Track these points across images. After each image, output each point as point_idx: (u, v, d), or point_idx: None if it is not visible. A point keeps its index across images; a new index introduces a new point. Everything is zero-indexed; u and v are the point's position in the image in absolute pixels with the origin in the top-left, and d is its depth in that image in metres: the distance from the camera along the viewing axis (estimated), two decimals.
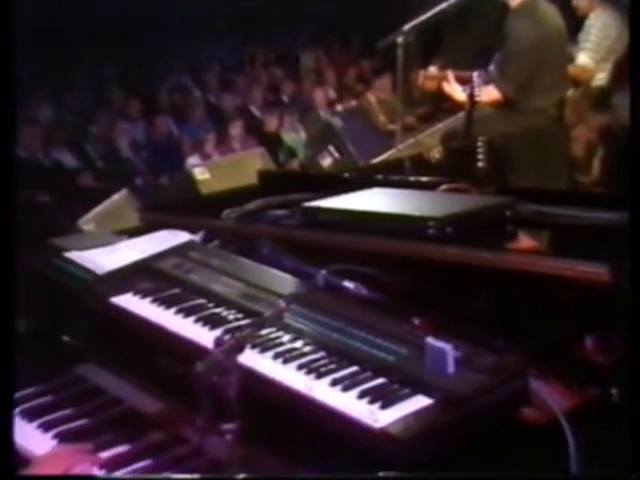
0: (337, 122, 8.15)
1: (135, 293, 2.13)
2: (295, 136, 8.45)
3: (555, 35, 4.62)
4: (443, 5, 4.86)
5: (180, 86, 9.83)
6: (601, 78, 5.65)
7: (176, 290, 2.15)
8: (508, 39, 4.53)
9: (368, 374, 1.75)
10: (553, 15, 4.68)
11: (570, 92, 4.77)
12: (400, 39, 4.77)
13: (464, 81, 4.56)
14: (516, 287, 1.96)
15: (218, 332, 1.93)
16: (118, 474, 1.89)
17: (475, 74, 4.49)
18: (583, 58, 5.57)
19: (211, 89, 9.81)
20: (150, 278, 2.19)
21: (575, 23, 5.62)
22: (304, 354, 1.85)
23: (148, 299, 2.11)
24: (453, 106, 4.94)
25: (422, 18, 4.84)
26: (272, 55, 11.36)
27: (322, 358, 1.83)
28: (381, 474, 1.53)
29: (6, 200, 1.73)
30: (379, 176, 2.92)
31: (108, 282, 2.16)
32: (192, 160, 7.39)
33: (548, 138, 4.43)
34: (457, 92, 4.61)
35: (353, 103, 9.14)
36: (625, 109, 5.40)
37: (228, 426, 1.57)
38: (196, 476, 1.80)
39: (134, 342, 2.05)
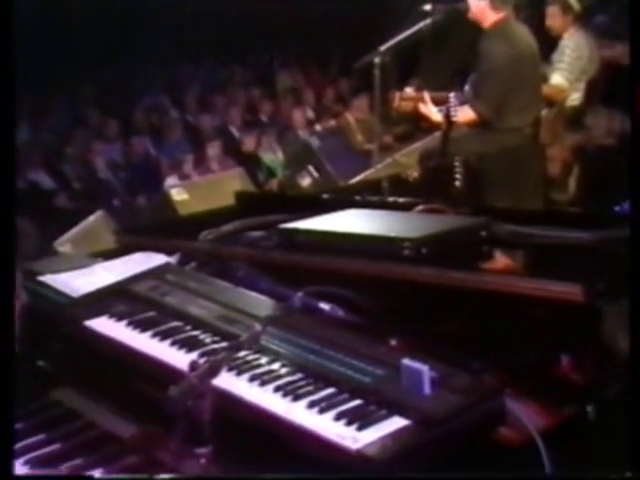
0: (315, 142, 8.18)
1: (110, 316, 2.12)
2: (274, 156, 8.47)
3: (528, 55, 4.68)
4: (419, 26, 4.91)
5: (158, 106, 9.82)
6: (575, 98, 5.72)
7: (152, 313, 2.14)
8: (482, 59, 4.59)
9: (345, 396, 1.75)
10: (525, 36, 4.74)
11: (545, 112, 4.82)
12: (377, 59, 4.80)
13: (440, 102, 4.59)
14: (491, 307, 1.97)
15: (194, 355, 1.92)
16: None
17: (451, 95, 4.53)
18: (558, 78, 5.64)
19: (189, 109, 9.81)
20: (126, 301, 2.18)
21: (548, 43, 5.69)
22: (281, 376, 1.84)
23: (123, 322, 2.10)
24: (430, 126, 4.97)
25: (398, 38, 4.88)
26: (250, 75, 11.39)
27: (299, 380, 1.83)
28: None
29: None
30: (356, 197, 2.93)
31: (83, 305, 2.15)
32: (170, 180, 7.38)
33: (523, 157, 4.47)
34: (433, 113, 4.65)
35: (331, 123, 9.18)
36: (599, 128, 5.48)
37: (202, 450, 1.56)
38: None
39: (109, 366, 2.04)
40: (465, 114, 4.56)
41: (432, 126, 4.83)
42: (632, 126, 1.96)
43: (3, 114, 1.80)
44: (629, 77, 2.03)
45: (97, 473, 1.95)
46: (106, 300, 2.18)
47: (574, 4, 5.91)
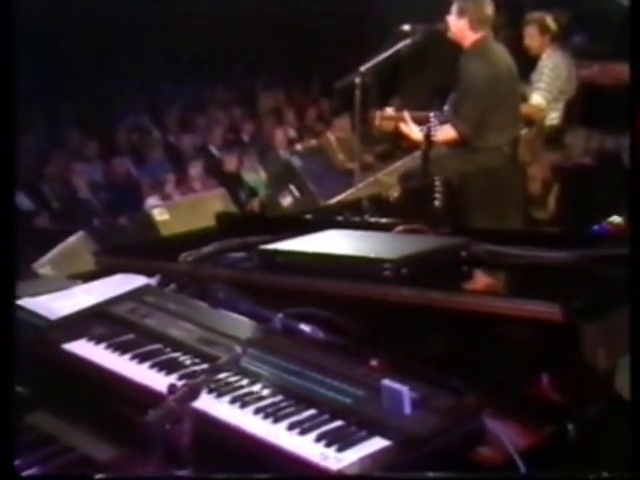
0: (297, 161, 8.19)
1: (89, 339, 2.11)
2: (256, 176, 8.47)
3: (506, 74, 4.72)
4: (398, 46, 4.94)
5: (139, 126, 9.81)
6: (554, 118, 5.77)
7: (131, 335, 2.13)
8: (462, 79, 4.62)
9: (326, 417, 1.75)
10: (504, 55, 4.79)
11: (524, 131, 4.86)
12: (357, 80, 4.83)
13: (420, 121, 4.62)
14: (471, 327, 1.98)
15: (174, 377, 1.92)
16: None
17: (431, 114, 4.56)
18: (537, 98, 5.69)
19: (170, 129, 9.81)
20: (105, 323, 2.17)
21: (527, 63, 5.74)
22: (261, 398, 1.84)
23: (102, 345, 2.09)
24: (410, 145, 4.99)
25: (378, 59, 4.91)
26: (232, 95, 11.41)
27: (279, 402, 1.83)
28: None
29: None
30: (337, 217, 2.94)
31: (61, 328, 2.14)
32: (151, 200, 7.36)
33: (503, 176, 4.50)
34: (414, 132, 4.67)
35: (313, 142, 9.20)
36: (577, 147, 5.52)
37: (181, 472, 1.55)
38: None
39: (88, 389, 2.02)
40: (445, 133, 4.59)
41: (413, 145, 4.86)
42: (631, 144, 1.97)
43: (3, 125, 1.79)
44: (630, 97, 2.05)
45: None
46: (85, 323, 2.17)
47: (551, 24, 5.98)
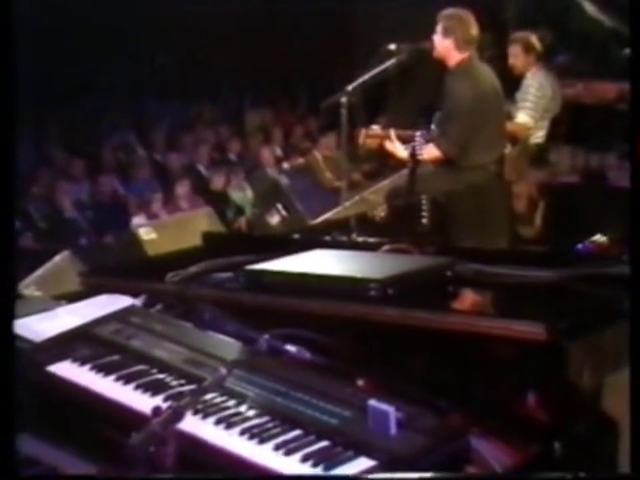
0: (284, 180, 8.21)
1: (73, 360, 2.10)
2: (242, 194, 8.48)
3: (492, 94, 4.75)
4: (384, 65, 4.96)
5: (125, 145, 9.79)
6: (539, 136, 5.81)
7: (116, 357, 2.12)
8: (447, 99, 4.65)
9: (311, 437, 1.75)
10: (489, 75, 4.82)
11: (509, 150, 4.88)
12: (343, 99, 4.85)
13: (406, 140, 4.64)
14: (457, 347, 1.98)
15: (159, 399, 1.91)
16: None
17: (417, 134, 4.57)
18: (523, 116, 5.73)
19: (157, 147, 9.80)
20: (89, 345, 2.16)
21: (512, 82, 5.78)
22: (247, 419, 1.84)
23: (87, 366, 2.08)
24: (396, 162, 5.00)
25: (364, 78, 4.93)
26: (219, 113, 11.43)
27: (265, 422, 1.83)
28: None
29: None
30: (323, 237, 2.94)
31: (45, 350, 2.13)
32: (138, 219, 7.35)
33: (489, 195, 4.51)
34: (399, 150, 4.68)
35: (300, 161, 9.22)
36: (563, 165, 5.55)
37: None
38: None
39: (72, 411, 2.01)
40: (430, 152, 4.61)
41: (398, 162, 4.87)
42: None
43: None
44: (630, 84, 2.06)
45: None
46: (69, 344, 2.16)
47: (535, 44, 6.03)
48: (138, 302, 2.39)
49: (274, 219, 7.28)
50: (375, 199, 5.78)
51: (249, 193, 8.45)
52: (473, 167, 4.59)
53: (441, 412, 1.78)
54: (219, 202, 7.88)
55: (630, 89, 2.05)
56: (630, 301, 1.89)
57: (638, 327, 1.82)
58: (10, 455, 1.66)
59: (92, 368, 2.08)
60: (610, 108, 4.91)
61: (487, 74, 4.80)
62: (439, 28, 4.73)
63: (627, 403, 1.98)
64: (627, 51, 4.98)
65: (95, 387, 2.01)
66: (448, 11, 4.76)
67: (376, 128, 4.88)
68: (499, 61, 5.47)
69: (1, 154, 1.81)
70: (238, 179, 8.56)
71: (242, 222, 7.85)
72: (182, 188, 7.94)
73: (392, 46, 4.96)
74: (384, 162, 7.80)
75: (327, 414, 1.79)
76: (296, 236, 3.45)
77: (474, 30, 4.72)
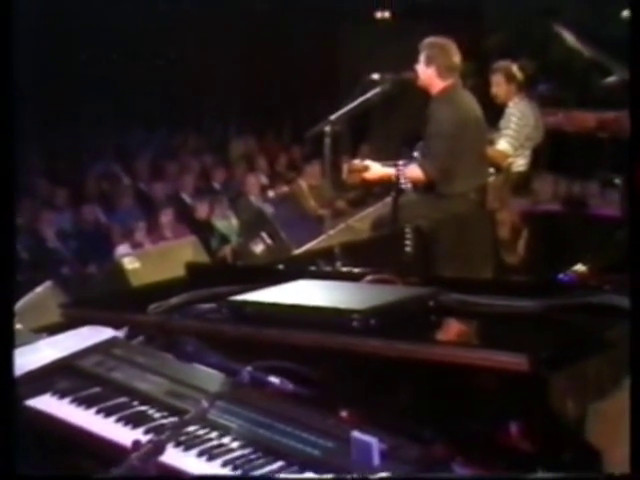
0: (268, 208, 8.22)
1: (53, 394, 2.09)
2: (227, 223, 8.47)
3: (474, 121, 4.78)
4: (368, 95, 4.99)
5: (109, 174, 9.78)
6: (521, 164, 5.85)
7: (97, 389, 2.11)
8: (430, 122, 4.68)
9: (294, 468, 1.75)
10: (472, 103, 4.86)
11: (491, 178, 4.91)
12: (327, 128, 4.86)
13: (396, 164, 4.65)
14: (440, 377, 1.98)
15: (140, 431, 1.90)
16: None
17: (400, 163, 4.59)
18: (503, 144, 5.77)
19: (141, 176, 9.79)
20: (70, 377, 2.15)
21: (495, 110, 5.82)
22: (230, 450, 1.84)
23: (67, 399, 2.07)
24: (385, 182, 4.96)
25: (348, 107, 4.95)
26: (203, 142, 11.45)
27: (248, 454, 1.82)
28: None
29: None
30: (307, 266, 2.94)
31: (25, 384, 2.11)
32: (122, 248, 7.31)
33: (472, 223, 4.53)
34: (379, 172, 4.68)
35: (284, 189, 9.24)
36: (545, 193, 5.58)
37: None
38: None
39: (52, 444, 1.99)
40: (413, 172, 4.62)
41: (387, 182, 4.84)
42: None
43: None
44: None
45: None
46: (49, 377, 2.14)
47: (517, 73, 6.09)
48: (120, 334, 2.37)
49: (259, 248, 7.28)
50: (360, 227, 5.80)
51: (234, 222, 8.44)
52: (455, 195, 4.61)
53: (424, 442, 1.77)
54: (203, 231, 7.87)
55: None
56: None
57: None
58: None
59: (72, 401, 2.06)
60: (591, 136, 4.96)
61: (470, 102, 4.84)
62: (422, 57, 4.78)
63: (612, 430, 1.99)
64: (607, 80, 5.05)
65: (74, 420, 1.99)
66: (430, 40, 4.81)
67: (358, 162, 4.90)
68: (482, 90, 5.51)
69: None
70: (222, 208, 8.56)
71: (227, 251, 7.83)
72: (166, 217, 7.92)
73: (375, 76, 4.98)
74: (368, 190, 7.83)
75: (310, 445, 1.79)
76: (280, 266, 3.44)
77: (456, 58, 4.77)
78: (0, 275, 1.78)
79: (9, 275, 1.79)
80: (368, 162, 4.75)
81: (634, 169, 2.02)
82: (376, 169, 4.69)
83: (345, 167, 4.91)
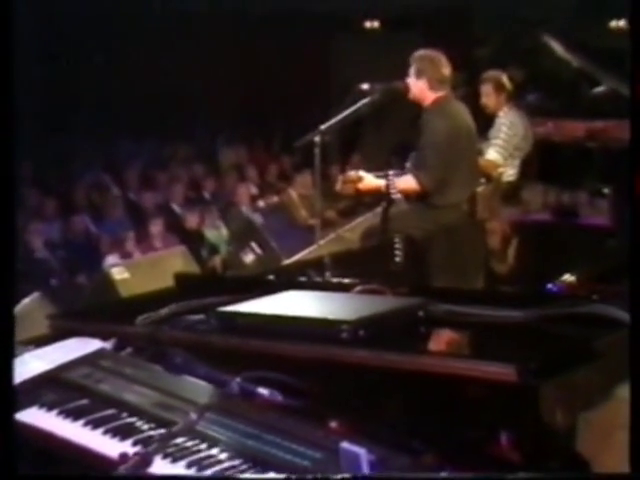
0: (258, 218, 8.21)
1: (40, 406, 2.08)
2: (217, 233, 8.45)
3: (466, 132, 4.79)
4: (358, 105, 4.99)
5: (98, 183, 9.76)
6: (511, 174, 5.87)
7: (84, 401, 2.10)
8: (423, 134, 4.68)
9: None
10: (464, 114, 4.86)
11: (481, 188, 4.91)
12: (317, 138, 4.86)
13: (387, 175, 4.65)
14: (429, 388, 1.98)
15: (128, 443, 1.89)
16: None
17: (390, 173, 4.59)
18: (492, 153, 5.79)
19: (131, 186, 9.77)
20: (57, 389, 2.14)
21: (484, 120, 5.84)
22: (219, 462, 1.83)
23: (54, 412, 2.06)
24: (376, 193, 4.96)
25: (338, 117, 4.96)
26: (193, 152, 11.45)
27: (237, 465, 1.81)
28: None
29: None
30: (297, 276, 2.93)
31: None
32: (111, 259, 7.28)
33: (462, 233, 4.54)
34: (372, 183, 4.67)
35: (274, 199, 9.23)
36: (535, 203, 5.60)
37: None
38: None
39: (40, 459, 1.98)
40: (407, 182, 4.61)
41: (378, 193, 4.83)
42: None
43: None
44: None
45: None
46: (36, 390, 2.13)
47: (506, 83, 6.11)
48: (108, 345, 2.36)
49: (249, 258, 7.27)
50: (350, 237, 5.80)
51: (224, 232, 8.43)
52: (446, 206, 4.61)
53: (413, 453, 1.77)
54: (193, 241, 7.85)
55: (631, 127, 2.07)
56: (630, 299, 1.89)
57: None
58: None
59: (59, 413, 2.05)
60: (580, 146, 4.99)
61: (462, 113, 4.84)
62: (412, 70, 4.78)
63: (601, 440, 1.99)
64: (596, 90, 5.08)
65: (61, 433, 1.98)
66: (420, 53, 4.82)
67: (352, 173, 4.90)
68: (471, 99, 5.52)
69: None
70: (212, 218, 8.54)
71: (217, 261, 7.81)
72: (156, 227, 7.90)
73: (365, 86, 4.99)
74: (359, 200, 7.84)
75: (299, 456, 1.79)
76: (269, 277, 3.44)
77: (446, 69, 4.77)
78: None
79: (9, 286, 1.78)
80: (362, 173, 4.75)
81: (634, 177, 2.03)
82: (369, 180, 4.69)
83: (339, 178, 4.91)
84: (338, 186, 4.84)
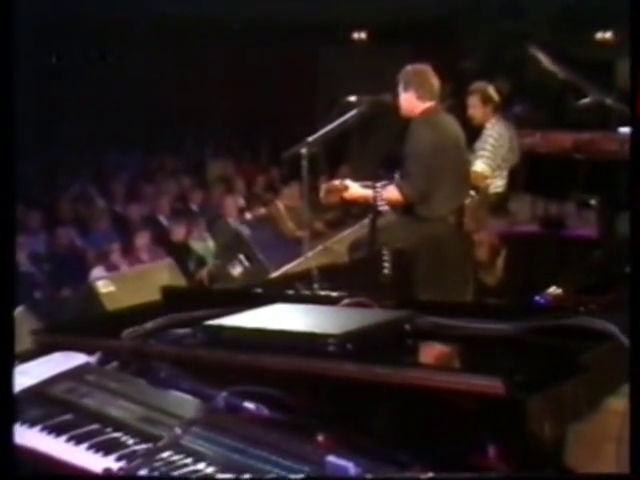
0: (246, 230, 8.20)
1: (22, 422, 2.05)
2: (204, 245, 8.43)
3: (454, 144, 4.80)
4: (345, 117, 5.01)
5: (84, 196, 9.73)
6: (499, 186, 5.89)
7: (68, 416, 2.08)
8: (408, 143, 4.69)
9: None
10: (453, 126, 4.88)
11: (468, 200, 4.92)
12: (304, 150, 4.87)
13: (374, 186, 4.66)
14: (416, 401, 1.97)
15: (112, 458, 1.88)
16: None
17: (377, 185, 4.60)
18: (480, 165, 5.81)
19: (117, 198, 9.75)
20: (41, 405, 2.12)
21: (471, 132, 5.86)
22: (205, 476, 1.81)
23: (36, 428, 2.03)
24: (363, 204, 4.96)
25: (325, 130, 4.97)
26: (181, 164, 11.44)
27: None
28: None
29: None
30: (283, 290, 2.92)
31: None
32: (97, 271, 7.25)
33: (450, 245, 4.54)
34: (358, 192, 4.68)
35: (262, 211, 9.23)
36: (522, 214, 5.61)
37: None
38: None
39: (23, 476, 1.96)
40: (391, 193, 4.62)
41: (364, 202, 4.84)
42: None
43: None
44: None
45: None
46: (19, 405, 2.10)
47: (493, 95, 6.14)
48: (93, 360, 2.34)
49: (236, 270, 7.26)
50: (337, 249, 5.80)
51: (211, 244, 8.41)
52: (433, 218, 4.61)
53: (401, 466, 1.76)
54: (180, 253, 7.83)
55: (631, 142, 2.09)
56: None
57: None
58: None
59: (42, 429, 2.03)
60: (566, 157, 5.02)
61: (451, 125, 4.86)
62: (400, 86, 4.78)
63: (589, 452, 1.99)
64: (582, 101, 5.11)
65: (44, 449, 1.96)
66: (407, 68, 4.83)
67: (337, 183, 4.91)
68: (458, 111, 5.54)
69: None
70: (199, 230, 8.53)
71: (204, 273, 7.79)
72: (142, 239, 7.87)
73: (352, 98, 5.01)
74: (346, 211, 7.84)
75: (286, 470, 1.78)
76: (257, 290, 3.43)
77: (434, 80, 4.79)
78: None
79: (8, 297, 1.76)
80: (348, 182, 4.76)
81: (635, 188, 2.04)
82: (355, 189, 4.69)
83: (323, 187, 4.91)
84: (321, 194, 4.85)
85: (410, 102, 4.77)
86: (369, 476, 1.65)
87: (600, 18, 9.82)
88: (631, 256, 1.98)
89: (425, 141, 4.64)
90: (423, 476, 1.61)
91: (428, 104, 4.75)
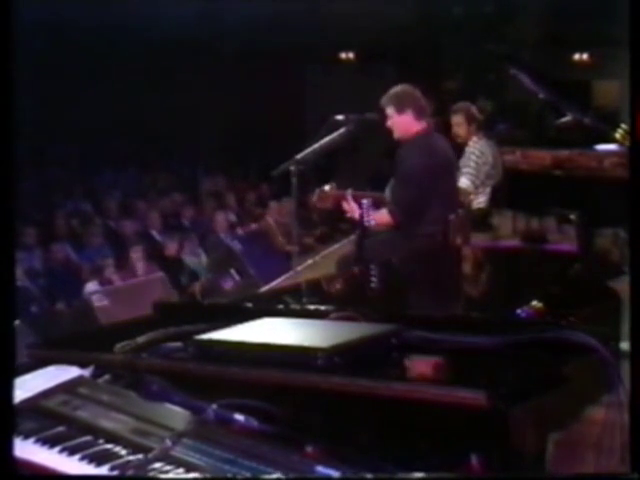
0: (237, 245, 8.25)
1: (17, 435, 2.08)
2: (196, 260, 8.47)
3: (445, 165, 4.81)
4: (333, 135, 5.04)
5: (79, 212, 9.76)
6: (481, 201, 5.96)
7: (61, 428, 2.11)
8: (402, 168, 4.69)
9: None
10: (444, 146, 4.89)
11: (452, 216, 4.95)
12: (293, 167, 4.91)
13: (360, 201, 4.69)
14: (402, 413, 2.02)
15: (105, 469, 1.91)
16: None
17: (364, 201, 4.62)
18: (464, 181, 5.87)
19: (111, 214, 9.78)
20: (34, 418, 2.14)
21: (455, 150, 5.91)
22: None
23: (30, 440, 2.06)
24: (351, 223, 5.01)
25: (313, 147, 5.01)
26: (173, 180, 11.48)
27: None
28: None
29: None
30: (273, 304, 2.96)
31: None
32: (91, 286, 7.28)
33: (436, 260, 4.58)
34: (351, 204, 4.71)
35: (253, 226, 9.28)
36: (505, 229, 5.64)
37: None
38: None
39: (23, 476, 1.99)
40: (381, 217, 4.65)
41: (352, 222, 4.88)
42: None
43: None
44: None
45: None
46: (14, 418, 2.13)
47: (476, 114, 6.22)
48: (86, 373, 2.38)
49: (228, 284, 7.29)
50: (327, 263, 5.84)
51: (203, 259, 8.45)
52: (421, 235, 4.64)
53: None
54: (173, 268, 7.86)
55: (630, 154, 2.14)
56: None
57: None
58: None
59: (36, 441, 2.06)
60: (546, 174, 5.08)
61: (442, 146, 4.88)
62: (392, 109, 4.74)
63: (571, 460, 2.04)
64: (561, 120, 5.18)
65: (37, 460, 1.99)
66: (396, 91, 4.81)
67: (329, 188, 4.94)
68: (441, 130, 5.59)
69: None
70: (192, 245, 8.57)
71: (196, 288, 7.83)
72: (136, 254, 7.90)
73: (340, 116, 5.04)
74: (335, 226, 7.89)
75: None
76: (247, 304, 3.47)
77: (424, 101, 4.81)
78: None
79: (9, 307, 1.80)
80: (349, 191, 4.76)
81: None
82: (353, 205, 4.69)
83: (317, 191, 4.94)
84: (314, 198, 4.88)
85: (407, 123, 4.70)
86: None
87: (578, 40, 9.93)
88: (631, 262, 2.03)
89: (418, 167, 4.61)
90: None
91: (424, 123, 4.76)
